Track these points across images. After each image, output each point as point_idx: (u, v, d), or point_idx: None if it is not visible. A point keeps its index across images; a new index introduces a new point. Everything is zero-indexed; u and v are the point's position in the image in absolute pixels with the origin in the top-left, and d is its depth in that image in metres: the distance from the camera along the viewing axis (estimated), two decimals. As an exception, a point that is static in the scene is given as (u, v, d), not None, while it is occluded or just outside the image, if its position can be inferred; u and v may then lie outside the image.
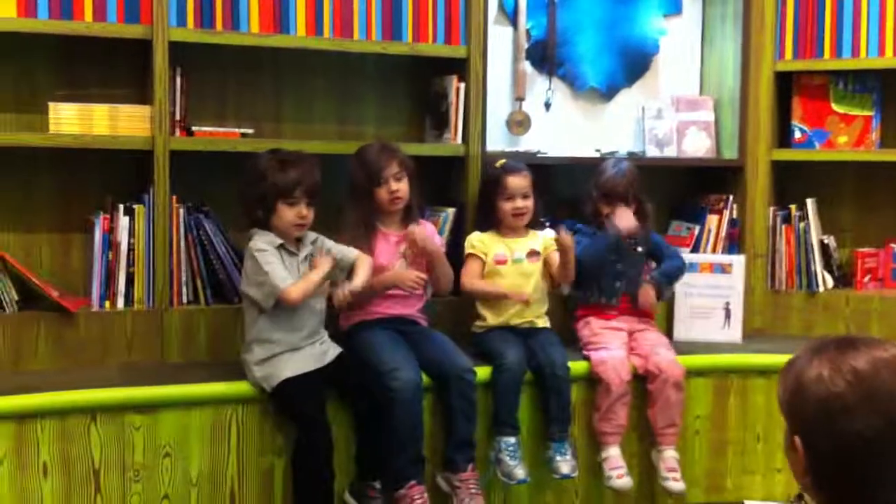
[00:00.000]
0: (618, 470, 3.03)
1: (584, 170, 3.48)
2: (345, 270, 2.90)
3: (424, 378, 2.86)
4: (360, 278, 2.84)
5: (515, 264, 3.16)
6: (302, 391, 2.72)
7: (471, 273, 3.14)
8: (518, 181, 3.15)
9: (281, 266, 2.74)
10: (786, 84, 3.71)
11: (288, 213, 2.77)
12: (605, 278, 3.27)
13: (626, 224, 3.19)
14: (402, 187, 3.01)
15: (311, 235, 2.89)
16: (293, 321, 2.79)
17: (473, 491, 2.84)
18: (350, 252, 2.90)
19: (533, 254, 3.18)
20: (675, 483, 3.05)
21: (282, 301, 2.71)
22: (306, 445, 2.69)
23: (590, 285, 3.29)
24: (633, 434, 3.16)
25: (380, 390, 2.77)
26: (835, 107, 3.69)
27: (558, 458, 3.00)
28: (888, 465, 1.27)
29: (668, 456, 3.08)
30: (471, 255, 3.15)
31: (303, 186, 2.78)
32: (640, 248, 3.29)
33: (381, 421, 2.77)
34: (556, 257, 3.15)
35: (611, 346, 3.14)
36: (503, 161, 3.24)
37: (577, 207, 3.42)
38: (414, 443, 2.80)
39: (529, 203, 3.15)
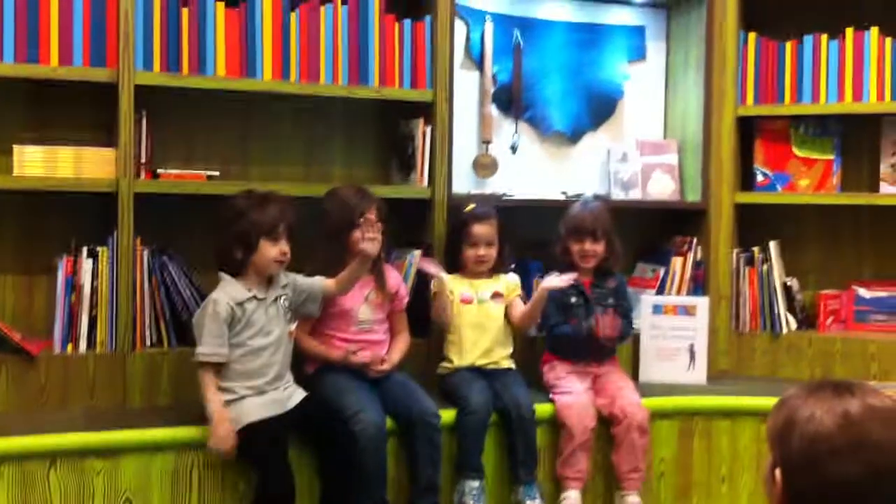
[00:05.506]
0: None
1: (550, 212, 3.50)
2: (317, 301, 2.92)
3: (389, 422, 2.86)
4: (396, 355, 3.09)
5: (481, 304, 3.19)
6: (264, 436, 2.70)
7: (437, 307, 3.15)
8: (482, 229, 3.19)
9: (218, 331, 2.70)
10: (748, 128, 3.77)
11: (271, 250, 2.77)
12: (580, 348, 3.27)
13: (548, 283, 3.13)
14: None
15: (283, 279, 2.88)
16: (256, 367, 2.77)
17: (437, 535, 2.84)
18: (316, 282, 2.93)
19: (497, 295, 3.21)
20: None
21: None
22: (268, 491, 2.67)
23: (566, 351, 3.29)
24: (598, 476, 3.16)
25: (343, 433, 2.75)
26: (796, 151, 3.75)
27: (528, 501, 2.99)
28: None
29: (631, 502, 3.08)
30: (437, 293, 3.15)
31: (285, 223, 2.80)
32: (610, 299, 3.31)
33: (345, 465, 2.75)
34: (519, 302, 3.21)
35: (576, 390, 3.15)
36: (472, 206, 3.26)
37: (543, 250, 3.44)
38: (378, 487, 2.78)
39: (492, 251, 3.20)
